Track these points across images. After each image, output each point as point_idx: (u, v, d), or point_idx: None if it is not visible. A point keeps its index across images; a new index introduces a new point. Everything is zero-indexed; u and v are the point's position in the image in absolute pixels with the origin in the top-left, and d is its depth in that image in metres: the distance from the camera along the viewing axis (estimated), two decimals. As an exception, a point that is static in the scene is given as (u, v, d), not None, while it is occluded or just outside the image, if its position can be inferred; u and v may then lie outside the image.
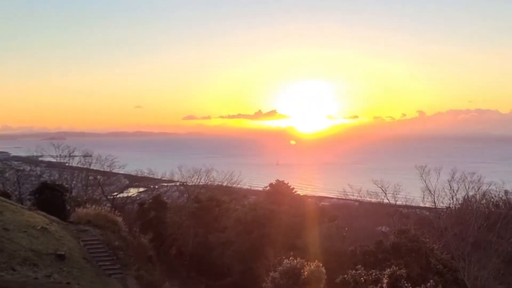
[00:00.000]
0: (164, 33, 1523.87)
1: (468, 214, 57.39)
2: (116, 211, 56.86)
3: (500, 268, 47.96)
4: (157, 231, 61.13)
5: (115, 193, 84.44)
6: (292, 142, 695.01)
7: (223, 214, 65.05)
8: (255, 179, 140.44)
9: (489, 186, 74.59)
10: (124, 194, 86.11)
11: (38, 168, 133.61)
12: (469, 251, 48.44)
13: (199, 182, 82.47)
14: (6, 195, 57.21)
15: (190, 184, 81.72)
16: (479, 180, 67.38)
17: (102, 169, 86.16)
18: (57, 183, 71.05)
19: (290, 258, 35.08)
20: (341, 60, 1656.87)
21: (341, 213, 77.65)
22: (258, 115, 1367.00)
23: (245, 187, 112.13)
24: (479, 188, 67.73)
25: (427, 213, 78.84)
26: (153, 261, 49.25)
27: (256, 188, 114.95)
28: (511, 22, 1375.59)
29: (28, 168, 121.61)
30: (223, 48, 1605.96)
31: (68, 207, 58.47)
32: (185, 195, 79.20)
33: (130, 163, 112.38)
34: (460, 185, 64.79)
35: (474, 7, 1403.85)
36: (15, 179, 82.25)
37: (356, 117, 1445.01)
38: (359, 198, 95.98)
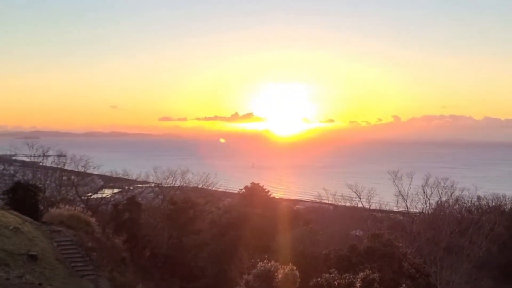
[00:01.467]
0: (140, 32, 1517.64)
1: (441, 219, 58.10)
2: (90, 212, 56.60)
3: (472, 273, 48.59)
4: (131, 233, 60.82)
5: (89, 194, 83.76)
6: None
7: (198, 216, 64.93)
8: (230, 181, 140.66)
9: (462, 192, 75.51)
10: (99, 195, 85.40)
11: (12, 167, 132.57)
12: (442, 255, 49.08)
13: (174, 183, 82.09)
14: (-21, 194, 56.68)
15: (165, 185, 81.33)
16: (452, 186, 68.14)
17: (77, 169, 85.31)
18: (30, 182, 70.35)
19: (264, 261, 35.13)
20: (318, 64, 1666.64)
21: (316, 217, 77.96)
22: (235, 117, 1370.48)
23: (221, 189, 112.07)
24: (452, 194, 68.46)
25: (401, 217, 79.56)
26: (127, 263, 49.05)
27: (231, 191, 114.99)
28: (485, 29, 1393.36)
29: (1, 167, 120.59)
30: (200, 49, 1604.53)
31: (42, 207, 58.00)
32: (160, 197, 78.78)
33: (105, 164, 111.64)
34: (434, 190, 65.50)
35: (450, 13, 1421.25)
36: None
37: (332, 121, 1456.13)
38: (333, 202, 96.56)
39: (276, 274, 33.30)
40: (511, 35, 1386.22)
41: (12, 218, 42.61)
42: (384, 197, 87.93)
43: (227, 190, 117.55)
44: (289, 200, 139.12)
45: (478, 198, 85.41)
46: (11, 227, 38.79)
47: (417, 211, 69.13)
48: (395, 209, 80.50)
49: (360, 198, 74.01)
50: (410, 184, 67.77)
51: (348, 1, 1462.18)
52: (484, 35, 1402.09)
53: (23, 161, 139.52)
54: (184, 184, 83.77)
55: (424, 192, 65.72)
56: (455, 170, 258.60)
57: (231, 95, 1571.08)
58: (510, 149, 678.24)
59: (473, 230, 56.55)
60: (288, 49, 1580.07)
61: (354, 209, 79.97)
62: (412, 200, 66.81)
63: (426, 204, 66.01)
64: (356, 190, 74.61)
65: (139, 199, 76.81)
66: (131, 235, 60.43)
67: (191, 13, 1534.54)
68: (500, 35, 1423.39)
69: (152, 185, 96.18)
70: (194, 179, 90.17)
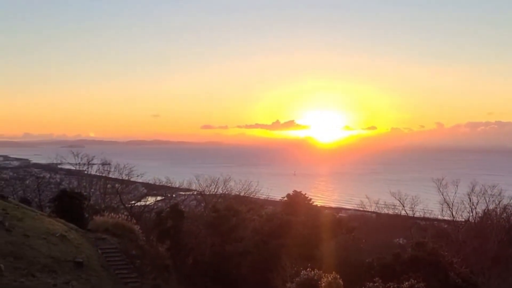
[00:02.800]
0: (182, 43, 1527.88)
1: (488, 228, 56.90)
2: (134, 220, 57.11)
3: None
4: (174, 240, 61.07)
5: (133, 202, 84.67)
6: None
7: (240, 224, 64.90)
8: (272, 189, 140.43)
9: (510, 200, 73.86)
10: (142, 203, 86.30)
11: (58, 176, 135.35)
12: (489, 265, 48.04)
13: (216, 191, 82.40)
14: (27, 201, 57.89)
15: (207, 193, 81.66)
16: (499, 194, 66.72)
17: (121, 178, 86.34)
18: (76, 190, 71.63)
19: (307, 269, 34.94)
20: (361, 71, 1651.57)
21: (359, 225, 77.28)
22: (276, 125, 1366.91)
23: (263, 197, 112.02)
24: (499, 202, 66.98)
25: (446, 226, 78.20)
26: (170, 270, 49.27)
27: (273, 199, 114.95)
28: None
29: (48, 175, 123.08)
30: (240, 58, 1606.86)
31: (86, 215, 58.89)
32: (202, 204, 79.17)
33: (148, 172, 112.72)
34: (480, 198, 64.21)
35: (496, 17, 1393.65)
36: (35, 186, 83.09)
37: (374, 128, 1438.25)
38: (376, 209, 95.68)
39: (319, 282, 33.09)
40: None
41: (58, 225, 43.33)
42: (428, 205, 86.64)
43: (269, 198, 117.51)
44: (331, 208, 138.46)
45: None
46: (57, 235, 39.42)
47: (463, 219, 67.85)
48: (439, 217, 79.12)
49: (403, 206, 73.10)
50: (455, 192, 66.65)
51: (387, 3, 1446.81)
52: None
53: (69, 170, 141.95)
54: (226, 192, 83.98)
55: (470, 200, 64.46)
56: (502, 177, 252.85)
57: (272, 103, 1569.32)
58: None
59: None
60: (330, 56, 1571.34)
61: (397, 217, 79.02)
62: (457, 208, 65.61)
63: (472, 212, 64.75)
64: (400, 198, 73.73)
65: (182, 206, 77.23)
66: (174, 242, 60.68)
67: (229, 22, 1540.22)
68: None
69: (195, 192, 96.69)
70: (236, 186, 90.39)
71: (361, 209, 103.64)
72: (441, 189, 65.98)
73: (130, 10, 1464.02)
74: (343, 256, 47.74)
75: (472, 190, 64.95)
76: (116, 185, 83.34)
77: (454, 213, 65.48)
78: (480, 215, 65.75)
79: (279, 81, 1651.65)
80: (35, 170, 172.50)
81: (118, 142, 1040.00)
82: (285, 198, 68.59)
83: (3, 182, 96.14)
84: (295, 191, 68.87)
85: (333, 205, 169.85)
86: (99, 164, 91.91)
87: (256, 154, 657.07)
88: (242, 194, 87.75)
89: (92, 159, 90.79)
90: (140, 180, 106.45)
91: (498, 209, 67.75)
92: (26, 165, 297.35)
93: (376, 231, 76.34)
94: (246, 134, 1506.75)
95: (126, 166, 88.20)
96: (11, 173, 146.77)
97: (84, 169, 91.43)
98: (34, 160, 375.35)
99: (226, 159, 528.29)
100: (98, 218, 50.35)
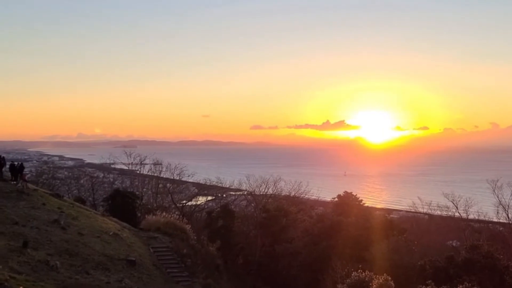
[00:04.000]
0: (233, 44, 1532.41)
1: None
2: (185, 219, 57.63)
3: None
4: (225, 240, 61.38)
5: (184, 201, 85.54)
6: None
7: (290, 224, 64.87)
8: (322, 189, 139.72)
9: None
10: (193, 202, 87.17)
11: (111, 175, 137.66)
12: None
13: (266, 191, 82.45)
14: (81, 200, 59.10)
15: (257, 193, 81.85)
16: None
17: (172, 177, 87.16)
18: (128, 190, 72.83)
19: (358, 270, 34.66)
20: (412, 70, 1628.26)
21: (410, 226, 76.22)
22: (326, 125, 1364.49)
23: (313, 197, 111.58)
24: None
25: (501, 228, 76.31)
26: (221, 270, 49.52)
27: (323, 199, 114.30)
28: None
29: (101, 175, 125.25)
30: (289, 58, 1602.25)
31: (139, 214, 59.83)
32: (252, 205, 79.32)
33: (199, 172, 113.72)
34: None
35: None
36: (90, 186, 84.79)
37: (425, 128, 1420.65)
38: (428, 211, 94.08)
39: (370, 284, 32.79)
40: None
41: (111, 224, 44.09)
42: (482, 207, 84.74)
43: (319, 199, 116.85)
44: (382, 209, 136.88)
45: None
46: (111, 233, 40.07)
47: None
48: (494, 219, 77.28)
49: (457, 208, 71.65)
50: (511, 194, 64.99)
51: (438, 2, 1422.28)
52: None
53: (121, 169, 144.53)
54: (277, 192, 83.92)
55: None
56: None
57: (322, 103, 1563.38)
58: None
59: None
60: (381, 54, 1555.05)
61: (451, 219, 77.45)
62: (513, 210, 63.97)
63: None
64: (453, 199, 72.31)
65: (232, 206, 77.67)
66: (224, 242, 60.99)
67: (279, 23, 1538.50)
68: None
69: (245, 192, 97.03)
70: (286, 187, 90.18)
71: (413, 210, 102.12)
72: (496, 191, 64.38)
73: (184, 12, 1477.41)
74: (394, 258, 47.20)
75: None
76: (168, 184, 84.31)
77: (510, 215, 63.79)
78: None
79: (329, 81, 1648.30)
80: (89, 169, 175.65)
81: (169, 142, 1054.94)
82: (336, 199, 68.21)
83: (58, 181, 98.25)
84: (345, 192, 68.47)
85: (384, 206, 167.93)
86: (151, 164, 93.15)
87: (306, 155, 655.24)
88: (292, 194, 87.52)
89: (144, 159, 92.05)
90: (191, 180, 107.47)
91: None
92: (80, 165, 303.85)
93: (428, 233, 75.12)
94: (296, 134, 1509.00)
95: (177, 166, 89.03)
96: (66, 173, 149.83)
97: (136, 169, 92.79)
98: (88, 159, 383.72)
99: (276, 159, 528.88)
100: (150, 217, 51.01)
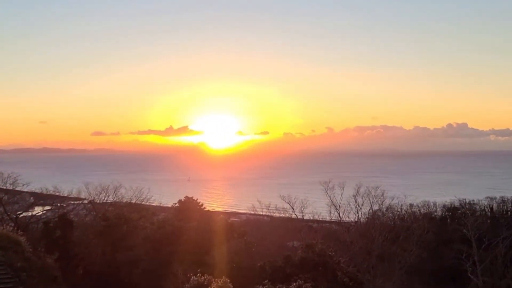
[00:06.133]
0: (70, 46, 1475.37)
1: (374, 228, 59.12)
2: (20, 231, 54.87)
3: (404, 279, 49.72)
4: (63, 251, 59.17)
5: (19, 212, 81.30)
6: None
7: (131, 232, 63.91)
8: (165, 195, 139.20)
9: (392, 200, 77.34)
10: (29, 213, 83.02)
11: None
12: (374, 263, 50.02)
13: (107, 199, 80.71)
14: None
15: (97, 201, 79.83)
16: (382, 194, 69.47)
17: (5, 187, 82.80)
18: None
19: (198, 274, 34.92)
20: (256, 75, 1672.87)
21: (251, 229, 78.00)
22: (169, 131, 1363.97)
23: (155, 204, 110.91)
24: (382, 202, 69.84)
25: (336, 227, 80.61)
26: (59, 282, 47.59)
27: (165, 205, 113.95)
28: (412, 43, 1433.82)
29: None
30: (133, 63, 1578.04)
31: (-33, 228, 55.97)
32: (92, 213, 77.24)
33: (35, 180, 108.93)
34: (365, 199, 66.56)
35: (376, 28, 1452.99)
36: None
37: (266, 133, 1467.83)
38: (269, 213, 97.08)
39: (209, 287, 33.13)
40: (436, 49, 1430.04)
41: None
42: (317, 207, 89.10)
43: (161, 205, 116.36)
44: (225, 213, 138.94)
45: (411, 205, 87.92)
46: None
47: (351, 220, 70.18)
48: (327, 218, 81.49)
49: (293, 209, 74.67)
50: (342, 194, 68.86)
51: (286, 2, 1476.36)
52: (409, 48, 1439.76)
53: None
54: (117, 200, 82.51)
55: (355, 202, 66.68)
56: (384, 179, 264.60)
57: (165, 108, 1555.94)
58: (440, 157, 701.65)
59: (403, 237, 57.77)
60: (223, 60, 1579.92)
61: (290, 220, 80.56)
62: (344, 209, 67.76)
63: (358, 213, 67.04)
64: (289, 201, 75.27)
65: (72, 216, 75.01)
66: (63, 253, 58.77)
67: (121, 26, 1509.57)
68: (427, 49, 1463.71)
69: (85, 201, 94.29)
70: (127, 194, 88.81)
71: (254, 213, 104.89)
72: (328, 192, 67.86)
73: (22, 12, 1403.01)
74: (235, 261, 48.18)
75: (357, 191, 67.11)
76: (0, 195, 79.85)
77: (341, 214, 67.53)
78: (366, 216, 68.26)
79: (173, 85, 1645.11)
80: None
81: (2, 150, 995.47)
82: (177, 204, 68.30)
83: None
84: (186, 196, 68.74)
85: (225, 209, 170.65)
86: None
87: (150, 161, 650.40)
88: (133, 201, 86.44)
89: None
90: (27, 189, 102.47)
91: (383, 209, 70.80)
92: None
93: (269, 234, 77.39)
94: (139, 140, 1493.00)
95: (10, 175, 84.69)
96: None
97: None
98: None
99: (118, 166, 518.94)
100: (-21, 231, 47.97)
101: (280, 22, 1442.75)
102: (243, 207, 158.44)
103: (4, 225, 56.21)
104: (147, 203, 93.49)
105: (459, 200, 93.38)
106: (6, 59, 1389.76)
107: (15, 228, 57.78)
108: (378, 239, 54.90)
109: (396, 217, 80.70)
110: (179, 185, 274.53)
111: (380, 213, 69.90)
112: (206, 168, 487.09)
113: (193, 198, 68.80)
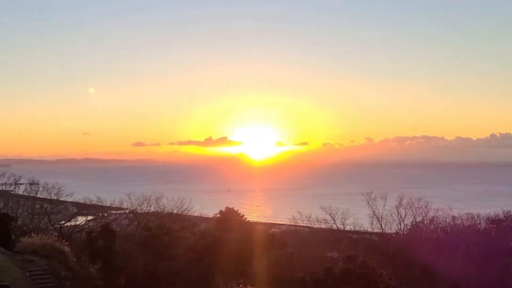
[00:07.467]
0: (110, 58, 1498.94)
1: (416, 240, 58.38)
2: (64, 240, 55.78)
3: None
4: (106, 261, 59.89)
5: (63, 222, 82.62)
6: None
7: (173, 242, 64.35)
8: (205, 206, 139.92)
9: (436, 212, 76.12)
10: (72, 223, 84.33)
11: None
12: (418, 277, 49.32)
13: (148, 209, 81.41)
14: None
15: (139, 211, 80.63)
16: (426, 206, 68.59)
17: (49, 197, 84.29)
18: (2, 212, 69.45)
19: (240, 285, 35.04)
20: (293, 86, 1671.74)
21: (291, 240, 77.73)
22: (209, 141, 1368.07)
23: (196, 214, 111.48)
24: (426, 214, 68.88)
25: (376, 238, 79.82)
26: (101, 291, 48.38)
27: (206, 216, 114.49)
28: (452, 52, 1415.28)
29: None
30: (172, 74, 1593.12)
31: (14, 237, 57.17)
32: (134, 223, 77.98)
33: (78, 191, 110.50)
34: (408, 210, 65.83)
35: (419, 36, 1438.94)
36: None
37: (305, 143, 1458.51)
38: (308, 224, 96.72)
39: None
40: (477, 60, 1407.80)
41: (-17, 248, 42.05)
42: (358, 218, 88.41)
43: (202, 215, 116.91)
44: (264, 223, 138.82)
45: (453, 218, 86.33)
46: (-18, 258, 38.25)
47: (392, 232, 69.44)
48: (369, 230, 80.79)
49: (334, 220, 74.25)
50: (384, 205, 68.24)
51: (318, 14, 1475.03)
52: (452, 59, 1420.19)
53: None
54: (159, 210, 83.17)
55: (398, 213, 66.02)
56: (428, 190, 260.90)
57: (205, 119, 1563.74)
58: (482, 168, 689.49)
59: (448, 251, 56.84)
60: (261, 72, 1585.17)
61: (330, 231, 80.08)
62: (386, 221, 67.15)
63: (401, 224, 66.35)
64: (330, 212, 74.88)
65: (114, 226, 75.89)
66: (105, 263, 59.52)
67: (158, 37, 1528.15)
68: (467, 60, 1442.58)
69: (127, 211, 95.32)
70: (169, 204, 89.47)
71: (294, 224, 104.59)
72: (370, 203, 67.39)
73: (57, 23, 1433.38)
74: (275, 272, 48.07)
75: (400, 203, 66.52)
76: (45, 205, 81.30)
77: (383, 225, 66.95)
78: (408, 227, 67.45)
79: (212, 97, 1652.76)
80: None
81: (47, 161, 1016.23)
82: (218, 215, 68.53)
83: None
84: (227, 207, 68.89)
85: (266, 220, 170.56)
86: (27, 184, 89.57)
87: (189, 171, 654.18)
88: (175, 211, 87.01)
89: (19, 179, 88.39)
90: (70, 200, 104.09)
91: (426, 221, 69.81)
92: None
93: (309, 245, 77.02)
94: (179, 151, 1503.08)
95: (54, 185, 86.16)
96: None
97: (11, 189, 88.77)
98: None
99: (159, 176, 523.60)
100: (25, 240, 48.95)
101: (317, 35, 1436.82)
102: (283, 218, 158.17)
103: (49, 235, 57.37)
104: (188, 214, 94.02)
105: (504, 212, 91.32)
106: (51, 71, 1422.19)
107: (59, 237, 58.85)
108: (421, 251, 54.18)
109: (439, 230, 79.39)
110: (219, 195, 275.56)
111: (422, 225, 68.96)
112: (245, 178, 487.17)
113: (233, 208, 69.01)
